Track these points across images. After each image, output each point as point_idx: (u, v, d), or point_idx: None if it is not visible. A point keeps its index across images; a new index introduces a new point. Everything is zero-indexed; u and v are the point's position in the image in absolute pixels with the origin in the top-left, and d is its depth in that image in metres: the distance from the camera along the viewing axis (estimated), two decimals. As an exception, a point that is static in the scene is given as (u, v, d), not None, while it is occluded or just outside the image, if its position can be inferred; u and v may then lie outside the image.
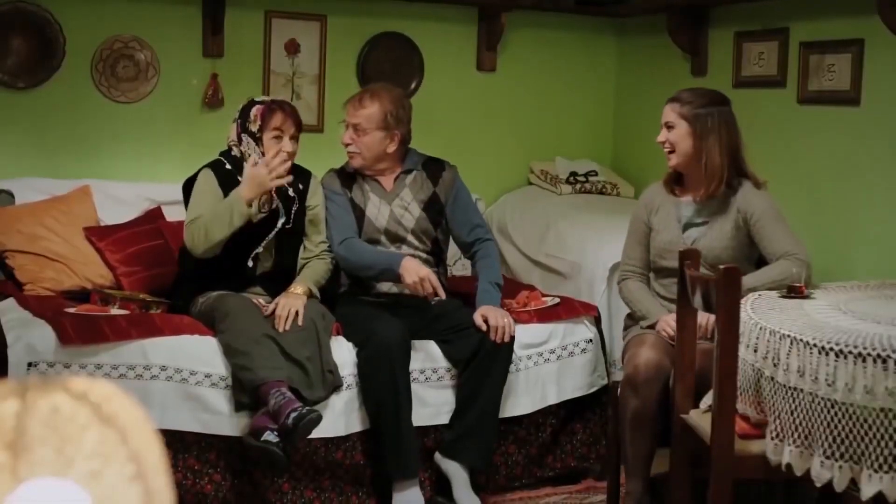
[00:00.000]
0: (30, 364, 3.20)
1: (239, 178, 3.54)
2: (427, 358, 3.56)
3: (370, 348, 3.42)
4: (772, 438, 2.47)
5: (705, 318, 3.07)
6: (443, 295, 3.52)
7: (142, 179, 4.33)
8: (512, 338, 3.53)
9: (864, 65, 3.79)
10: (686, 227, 3.40)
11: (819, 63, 3.97)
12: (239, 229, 3.46)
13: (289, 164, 3.51)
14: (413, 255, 3.66)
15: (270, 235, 3.58)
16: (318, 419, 3.16)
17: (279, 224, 3.59)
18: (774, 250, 3.25)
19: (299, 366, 3.28)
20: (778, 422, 2.44)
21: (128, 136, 4.40)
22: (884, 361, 2.22)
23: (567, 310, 3.84)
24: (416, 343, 3.54)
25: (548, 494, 3.69)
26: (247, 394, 3.24)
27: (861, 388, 2.24)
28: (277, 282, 3.60)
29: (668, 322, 3.26)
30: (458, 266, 4.55)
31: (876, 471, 2.24)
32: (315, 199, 3.71)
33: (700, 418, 2.78)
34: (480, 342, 3.49)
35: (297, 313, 3.38)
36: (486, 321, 3.50)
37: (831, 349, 2.30)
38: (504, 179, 5.00)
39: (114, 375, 3.25)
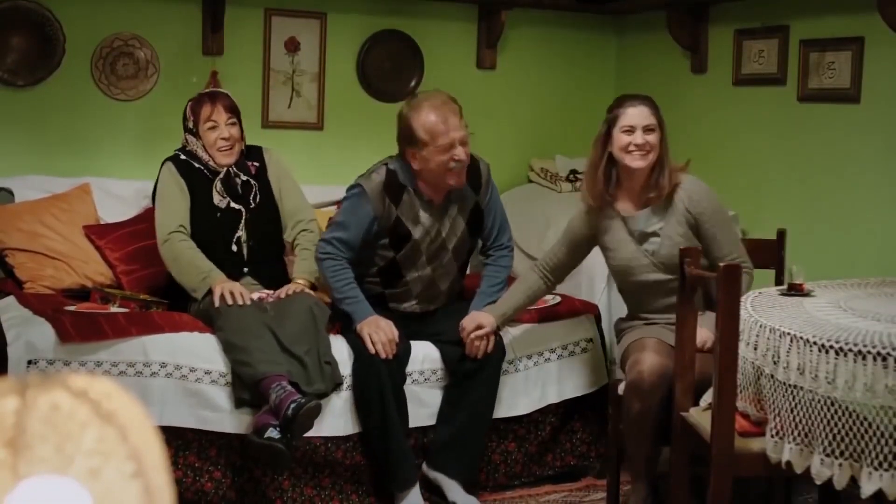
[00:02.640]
0: (29, 362, 3.21)
1: (196, 165, 3.63)
2: (426, 359, 3.55)
3: (361, 362, 3.39)
4: (772, 436, 2.47)
5: (702, 339, 3.03)
6: (390, 356, 3.38)
7: (141, 177, 4.32)
8: (493, 354, 3.49)
9: (864, 62, 3.79)
10: (640, 239, 3.32)
11: (819, 61, 3.96)
12: (215, 222, 3.61)
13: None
14: (444, 271, 3.57)
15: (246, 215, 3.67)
16: (318, 408, 3.15)
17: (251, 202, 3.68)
18: (719, 256, 3.18)
19: (298, 360, 3.27)
20: (778, 419, 2.44)
21: (127, 134, 4.40)
22: (884, 359, 2.22)
23: (567, 309, 3.84)
24: (416, 344, 3.53)
25: (547, 492, 3.69)
26: (247, 390, 3.24)
27: (861, 385, 2.23)
28: (267, 268, 3.66)
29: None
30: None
31: (876, 469, 2.24)
32: (273, 168, 3.75)
33: (700, 416, 2.78)
34: (465, 352, 3.48)
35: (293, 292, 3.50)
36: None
37: (831, 347, 2.29)
38: (504, 177, 4.97)
39: (113, 373, 3.25)
